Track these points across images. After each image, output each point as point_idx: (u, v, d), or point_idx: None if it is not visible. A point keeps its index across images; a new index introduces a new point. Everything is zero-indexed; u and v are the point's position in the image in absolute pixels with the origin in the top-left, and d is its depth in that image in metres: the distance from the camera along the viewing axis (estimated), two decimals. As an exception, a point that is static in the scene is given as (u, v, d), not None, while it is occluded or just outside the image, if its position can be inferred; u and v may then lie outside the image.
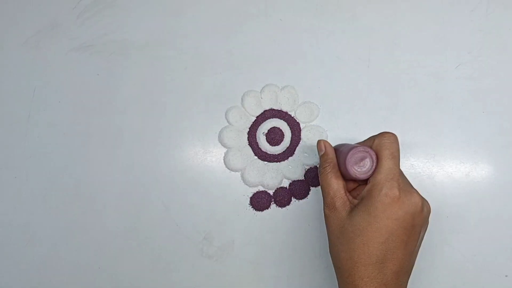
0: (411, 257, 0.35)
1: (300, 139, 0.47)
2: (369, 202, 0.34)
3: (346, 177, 0.38)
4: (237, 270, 0.46)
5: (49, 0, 0.51)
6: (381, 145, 0.36)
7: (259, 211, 0.46)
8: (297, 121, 0.47)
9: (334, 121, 0.47)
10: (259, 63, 0.49)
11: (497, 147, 0.46)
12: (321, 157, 0.40)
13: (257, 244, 0.46)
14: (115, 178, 0.48)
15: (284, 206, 0.46)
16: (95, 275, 0.47)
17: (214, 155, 0.48)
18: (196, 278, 0.46)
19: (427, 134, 0.46)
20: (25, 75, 0.50)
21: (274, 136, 0.47)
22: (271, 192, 0.47)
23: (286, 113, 0.48)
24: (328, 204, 0.37)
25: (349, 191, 0.38)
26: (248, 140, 0.47)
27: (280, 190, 0.46)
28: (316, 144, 0.47)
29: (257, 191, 0.47)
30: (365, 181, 0.37)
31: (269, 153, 0.47)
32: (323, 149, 0.40)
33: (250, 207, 0.47)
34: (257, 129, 0.48)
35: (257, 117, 0.48)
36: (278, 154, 0.47)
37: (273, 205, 0.47)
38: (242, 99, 0.48)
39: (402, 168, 0.37)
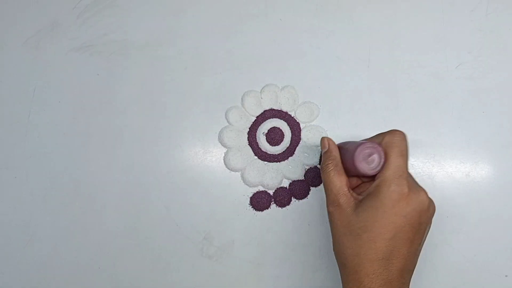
0: (415, 255, 0.36)
1: (300, 139, 0.47)
2: (377, 198, 0.34)
3: (351, 174, 0.38)
4: (237, 270, 0.46)
5: (49, 0, 0.51)
6: (391, 143, 0.36)
7: (259, 211, 0.46)
8: (297, 121, 0.47)
9: (334, 121, 0.47)
10: (259, 63, 0.49)
11: (497, 147, 0.46)
12: (324, 154, 0.40)
13: (257, 244, 0.46)
14: (115, 178, 0.48)
15: (284, 206, 0.46)
16: (95, 275, 0.47)
17: (214, 155, 0.48)
18: (196, 278, 0.46)
19: (427, 134, 0.46)
20: (25, 75, 0.50)
21: (274, 136, 0.47)
22: (271, 192, 0.47)
23: (286, 113, 0.48)
24: (331, 201, 0.37)
25: (352, 188, 0.38)
26: (248, 140, 0.47)
27: (280, 190, 0.46)
28: (315, 144, 0.47)
29: (257, 191, 0.47)
30: (369, 178, 0.37)
31: (269, 153, 0.47)
32: (327, 146, 0.40)
33: (250, 207, 0.47)
34: (257, 129, 0.48)
35: (257, 117, 0.48)
36: (278, 154, 0.47)
37: (273, 205, 0.47)
38: (242, 99, 0.48)
39: (402, 167, 0.37)
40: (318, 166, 0.47)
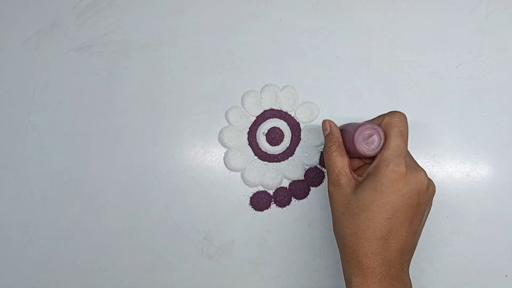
0: (414, 236, 0.36)
1: (300, 139, 0.47)
2: (375, 178, 0.34)
3: (353, 155, 0.38)
4: (237, 270, 0.46)
5: (49, 0, 0.51)
6: (390, 123, 0.36)
7: (259, 211, 0.46)
8: (297, 121, 0.47)
9: (334, 121, 0.47)
10: (259, 63, 0.49)
11: (497, 147, 0.46)
12: (326, 136, 0.40)
13: (257, 244, 0.46)
14: (115, 178, 0.48)
15: (284, 206, 0.46)
16: (95, 275, 0.47)
17: (214, 155, 0.48)
18: (196, 278, 0.46)
19: (427, 134, 0.46)
20: (25, 75, 0.50)
21: (274, 136, 0.47)
22: (271, 192, 0.47)
23: (286, 113, 0.48)
24: (332, 181, 0.37)
25: (354, 170, 0.39)
26: (248, 140, 0.47)
27: (280, 190, 0.46)
28: (315, 144, 0.47)
29: (257, 191, 0.47)
30: (370, 160, 0.37)
31: (269, 153, 0.47)
32: (328, 128, 0.40)
33: (250, 207, 0.47)
34: (257, 129, 0.48)
35: (257, 117, 0.48)
36: (278, 154, 0.47)
37: (273, 205, 0.47)
38: (242, 99, 0.48)
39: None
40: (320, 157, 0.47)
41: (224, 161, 0.47)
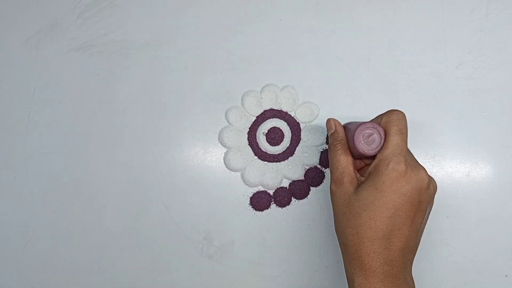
0: (416, 235, 0.35)
1: (300, 139, 0.47)
2: (376, 177, 0.34)
3: (355, 155, 0.38)
4: (237, 270, 0.46)
5: (49, 0, 0.51)
6: (389, 122, 0.36)
7: (259, 211, 0.46)
8: (297, 121, 0.47)
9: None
10: (259, 63, 0.49)
11: (497, 147, 0.46)
12: (331, 135, 0.40)
13: (257, 244, 0.46)
14: (115, 178, 0.48)
15: (284, 206, 0.46)
16: (95, 275, 0.47)
17: (214, 155, 0.48)
18: (196, 278, 0.46)
19: (427, 134, 0.46)
20: (25, 75, 0.50)
21: (274, 136, 0.47)
22: (271, 192, 0.47)
23: (286, 113, 0.48)
24: (335, 180, 0.37)
25: (357, 170, 0.38)
26: (248, 140, 0.47)
27: (280, 190, 0.46)
28: (315, 144, 0.47)
29: (257, 191, 0.47)
30: (371, 160, 0.37)
31: (269, 153, 0.47)
32: (333, 127, 0.40)
33: (250, 207, 0.47)
34: (257, 129, 0.48)
35: (257, 117, 0.48)
36: (278, 154, 0.47)
37: (273, 205, 0.47)
38: (242, 99, 0.48)
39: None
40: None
41: (224, 161, 0.47)
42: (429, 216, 0.37)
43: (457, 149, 0.46)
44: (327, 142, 0.47)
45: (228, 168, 0.47)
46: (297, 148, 0.47)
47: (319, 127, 0.47)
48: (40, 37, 0.51)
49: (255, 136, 0.47)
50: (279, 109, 0.48)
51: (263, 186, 0.47)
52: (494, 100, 0.47)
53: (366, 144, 0.36)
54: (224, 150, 0.47)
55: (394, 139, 0.35)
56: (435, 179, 0.37)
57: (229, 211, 0.47)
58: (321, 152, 0.47)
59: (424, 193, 0.35)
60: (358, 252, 0.34)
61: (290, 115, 0.48)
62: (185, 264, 0.46)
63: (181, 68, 0.49)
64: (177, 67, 0.49)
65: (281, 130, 0.47)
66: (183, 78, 0.49)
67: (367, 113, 0.47)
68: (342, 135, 0.39)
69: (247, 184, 0.47)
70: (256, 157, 0.47)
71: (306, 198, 0.46)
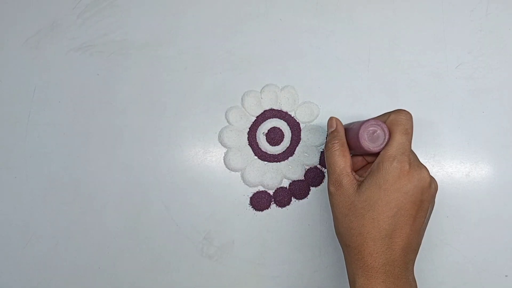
0: (418, 234, 0.36)
1: (300, 139, 0.47)
2: (379, 175, 0.35)
3: (356, 152, 0.38)
4: (237, 270, 0.46)
5: (49, 0, 0.51)
6: (397, 121, 0.36)
7: (259, 211, 0.46)
8: (297, 121, 0.47)
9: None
10: (259, 63, 0.49)
11: (497, 147, 0.46)
12: (330, 133, 0.40)
13: (257, 244, 0.46)
14: (115, 178, 0.48)
15: (284, 206, 0.46)
16: (95, 275, 0.47)
17: (214, 155, 0.48)
18: (196, 278, 0.46)
19: (427, 134, 0.46)
20: (25, 75, 0.50)
21: (274, 136, 0.47)
22: (271, 192, 0.47)
23: (286, 113, 0.48)
24: (333, 182, 0.37)
25: (355, 170, 0.38)
26: (248, 140, 0.47)
27: (280, 190, 0.46)
28: (315, 144, 0.47)
29: (257, 191, 0.47)
30: (372, 158, 0.37)
31: (269, 153, 0.47)
32: (334, 125, 0.40)
33: (250, 207, 0.47)
34: (257, 129, 0.48)
35: (257, 117, 0.48)
36: (278, 154, 0.47)
37: (273, 205, 0.47)
38: (242, 99, 0.48)
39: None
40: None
41: (224, 161, 0.47)
42: (436, 195, 0.37)
43: (457, 149, 0.46)
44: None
45: (228, 168, 0.47)
46: (297, 148, 0.47)
47: (319, 127, 0.47)
48: (40, 37, 0.51)
49: (255, 136, 0.47)
50: (279, 109, 0.48)
51: (263, 186, 0.47)
52: (494, 100, 0.47)
53: (370, 141, 0.36)
54: (224, 150, 0.47)
55: (399, 138, 0.35)
56: (435, 178, 0.37)
57: (229, 211, 0.47)
58: (321, 152, 0.47)
59: (426, 193, 0.35)
60: (361, 252, 0.34)
61: (290, 115, 0.48)
62: (185, 264, 0.46)
63: (181, 68, 0.49)
64: (177, 67, 0.49)
65: (281, 130, 0.47)
66: (183, 78, 0.49)
67: (367, 113, 0.47)
68: (341, 135, 0.39)
69: (247, 184, 0.47)
70: (256, 157, 0.47)
71: (306, 198, 0.46)
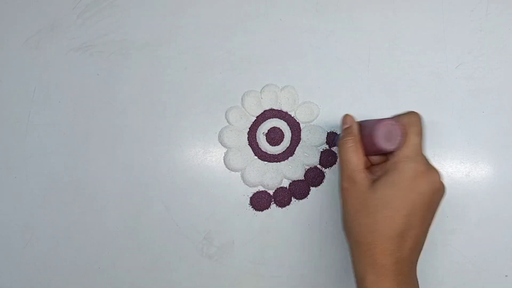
0: (424, 236, 0.36)
1: (300, 139, 0.47)
2: (395, 174, 0.35)
3: (369, 151, 0.38)
4: (237, 270, 0.46)
5: (49, 0, 0.51)
6: (410, 122, 0.36)
7: (259, 211, 0.46)
8: (297, 121, 0.47)
9: (334, 121, 0.47)
10: (259, 63, 0.49)
11: (497, 147, 0.46)
12: (344, 130, 0.40)
13: (257, 244, 0.46)
14: (115, 178, 0.48)
15: (284, 206, 0.46)
16: (95, 275, 0.47)
17: (214, 155, 0.48)
18: (196, 278, 0.46)
19: (427, 134, 0.46)
20: (25, 75, 0.50)
21: (274, 136, 0.47)
22: (271, 192, 0.47)
23: (286, 113, 0.48)
24: (347, 177, 0.37)
25: (368, 167, 0.39)
26: (248, 140, 0.47)
27: (280, 190, 0.46)
28: (315, 144, 0.47)
29: (257, 191, 0.47)
30: (384, 157, 0.37)
31: (269, 153, 0.47)
32: (348, 123, 0.40)
33: (250, 207, 0.47)
34: (257, 129, 0.48)
35: (257, 117, 0.48)
36: (278, 154, 0.47)
37: (273, 205, 0.47)
38: (242, 99, 0.48)
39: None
40: (327, 146, 0.47)
41: (224, 161, 0.47)
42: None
43: (457, 149, 0.46)
44: (327, 142, 0.47)
45: (228, 168, 0.47)
46: (297, 148, 0.47)
47: (319, 127, 0.47)
48: (40, 37, 0.51)
49: (255, 136, 0.47)
50: (279, 109, 0.48)
51: (263, 186, 0.47)
52: (494, 100, 0.47)
53: (385, 140, 0.36)
54: (224, 150, 0.47)
55: (414, 139, 0.36)
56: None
57: (229, 211, 0.47)
58: (321, 152, 0.47)
59: (437, 194, 0.35)
60: (372, 250, 0.34)
61: (290, 115, 0.48)
62: (185, 264, 0.46)
63: (181, 68, 0.49)
64: (177, 67, 0.49)
65: (281, 130, 0.47)
66: (183, 78, 0.49)
67: (367, 113, 0.47)
68: (356, 132, 0.39)
69: (247, 184, 0.47)
70: (256, 157, 0.47)
71: (306, 198, 0.46)
